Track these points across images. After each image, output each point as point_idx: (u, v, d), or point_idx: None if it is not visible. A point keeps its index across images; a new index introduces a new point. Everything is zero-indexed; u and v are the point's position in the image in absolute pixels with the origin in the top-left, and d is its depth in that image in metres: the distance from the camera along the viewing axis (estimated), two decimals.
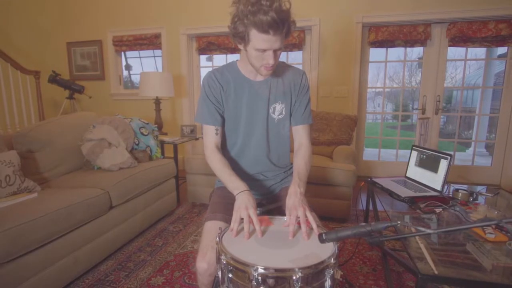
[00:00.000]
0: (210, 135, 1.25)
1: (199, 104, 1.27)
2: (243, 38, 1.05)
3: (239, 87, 1.24)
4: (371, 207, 2.16)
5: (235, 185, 1.10)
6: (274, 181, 1.36)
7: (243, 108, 1.25)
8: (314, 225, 0.97)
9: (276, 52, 1.07)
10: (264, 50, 1.05)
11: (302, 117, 1.30)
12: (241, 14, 1.00)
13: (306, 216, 0.98)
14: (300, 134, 1.31)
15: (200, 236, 1.16)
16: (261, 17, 0.96)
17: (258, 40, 1.02)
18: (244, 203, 1.01)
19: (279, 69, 1.27)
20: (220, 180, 1.21)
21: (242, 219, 0.98)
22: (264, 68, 1.12)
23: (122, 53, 4.59)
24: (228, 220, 1.11)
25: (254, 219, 0.97)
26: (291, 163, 1.39)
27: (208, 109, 1.24)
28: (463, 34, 3.31)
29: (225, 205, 1.22)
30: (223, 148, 1.32)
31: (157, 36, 4.20)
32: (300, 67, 3.87)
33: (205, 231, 1.14)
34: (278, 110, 1.27)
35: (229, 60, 4.28)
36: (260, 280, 0.76)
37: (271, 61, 1.07)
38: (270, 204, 1.22)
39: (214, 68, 1.29)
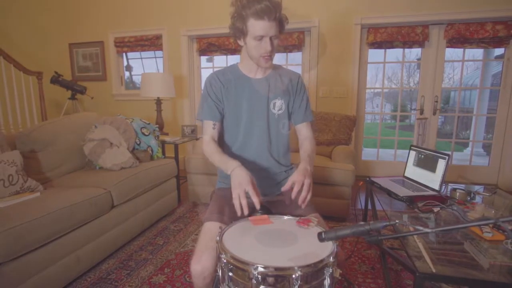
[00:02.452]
0: (207, 129, 1.31)
1: (200, 103, 1.34)
2: (242, 31, 1.15)
3: (240, 84, 1.31)
4: (369, 207, 2.17)
5: (227, 165, 1.13)
6: (276, 181, 1.38)
7: (244, 104, 1.30)
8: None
9: (272, 40, 1.16)
10: (262, 37, 1.14)
11: (304, 115, 1.38)
12: (239, 8, 1.12)
13: (309, 186, 1.05)
14: (305, 130, 1.39)
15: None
16: (256, 6, 1.08)
17: (255, 27, 1.12)
18: (238, 180, 1.04)
19: (277, 70, 1.36)
20: (214, 164, 1.25)
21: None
22: (263, 58, 1.19)
23: (124, 54, 4.60)
24: (226, 222, 1.13)
25: (251, 192, 1.01)
26: (292, 164, 1.42)
27: (208, 105, 1.30)
28: (460, 35, 3.33)
29: (225, 206, 1.23)
30: (225, 144, 1.37)
31: (158, 37, 4.21)
32: (299, 67, 3.90)
33: (203, 232, 1.14)
34: (278, 105, 1.33)
35: (230, 61, 4.35)
36: (260, 278, 0.76)
37: (268, 48, 1.15)
38: (269, 200, 1.25)
39: (216, 70, 1.36)
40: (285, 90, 1.33)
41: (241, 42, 1.21)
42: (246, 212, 0.99)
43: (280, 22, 1.16)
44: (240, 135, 1.33)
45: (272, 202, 1.28)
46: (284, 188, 1.09)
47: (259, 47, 1.16)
